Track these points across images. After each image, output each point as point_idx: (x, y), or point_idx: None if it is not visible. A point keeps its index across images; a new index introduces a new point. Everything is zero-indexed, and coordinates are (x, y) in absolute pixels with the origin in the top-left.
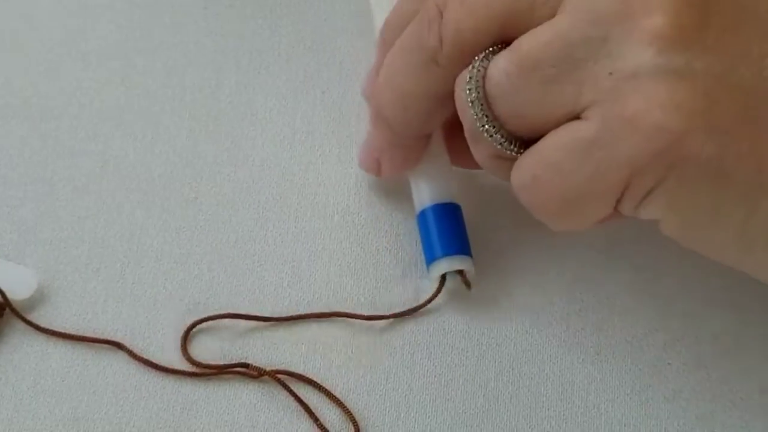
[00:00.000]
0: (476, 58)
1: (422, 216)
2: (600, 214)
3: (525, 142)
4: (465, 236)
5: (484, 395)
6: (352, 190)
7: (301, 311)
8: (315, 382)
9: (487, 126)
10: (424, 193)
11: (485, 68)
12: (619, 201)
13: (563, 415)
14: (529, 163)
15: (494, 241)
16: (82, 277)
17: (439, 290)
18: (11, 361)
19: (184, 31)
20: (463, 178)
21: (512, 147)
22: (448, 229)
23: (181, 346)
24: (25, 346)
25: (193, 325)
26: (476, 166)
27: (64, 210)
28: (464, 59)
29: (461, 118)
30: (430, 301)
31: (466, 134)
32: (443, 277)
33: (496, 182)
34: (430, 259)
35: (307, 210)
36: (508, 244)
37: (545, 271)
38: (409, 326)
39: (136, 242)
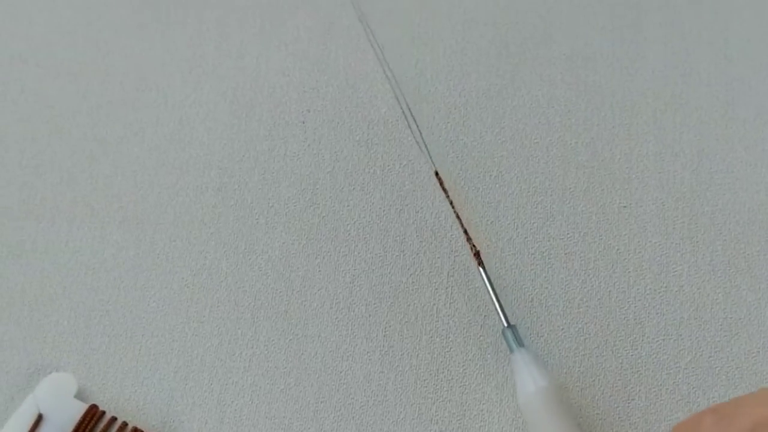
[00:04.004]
0: None
1: None
2: None
3: None
4: None
5: None
6: (441, 319)
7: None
8: None
9: None
10: None
11: None
12: None
13: None
14: None
15: None
16: (169, 385)
17: None
18: None
19: (282, 143)
20: None
21: None
22: None
23: None
24: None
25: None
26: None
27: (154, 319)
28: None
29: None
30: None
31: None
32: None
33: None
34: None
35: (396, 328)
36: None
37: None
38: None
39: (225, 352)
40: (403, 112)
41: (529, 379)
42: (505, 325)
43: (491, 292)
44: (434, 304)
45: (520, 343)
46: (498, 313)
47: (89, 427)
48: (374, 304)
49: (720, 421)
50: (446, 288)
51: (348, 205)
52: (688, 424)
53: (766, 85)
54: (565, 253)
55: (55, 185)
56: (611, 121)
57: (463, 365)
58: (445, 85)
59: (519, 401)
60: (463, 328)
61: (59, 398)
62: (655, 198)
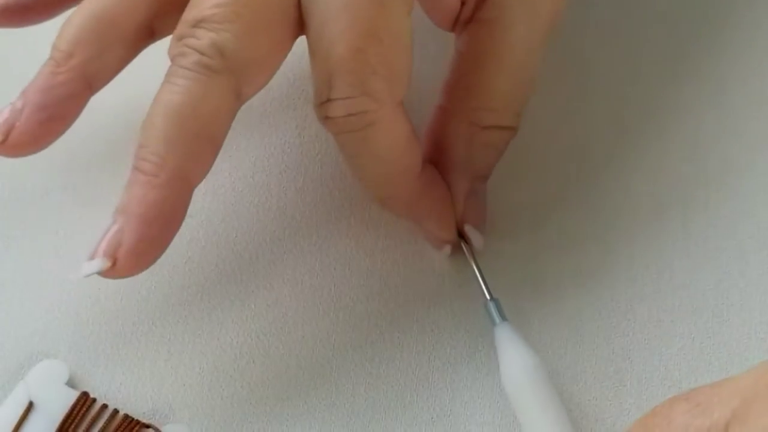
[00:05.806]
0: None
1: None
2: None
3: None
4: None
5: None
6: None
7: None
8: None
9: None
10: None
11: None
12: None
13: None
14: None
15: None
16: (160, 372)
17: None
18: None
19: (273, 131)
20: None
21: None
22: None
23: None
24: None
25: None
26: None
27: (144, 306)
28: None
29: None
30: None
31: None
32: None
33: None
34: None
35: (386, 315)
36: None
37: None
38: None
39: (215, 340)
40: None
41: (515, 355)
42: (488, 298)
43: (473, 264)
44: (425, 291)
45: (503, 317)
46: (481, 286)
47: (80, 414)
48: (365, 291)
49: (693, 409)
50: (438, 273)
51: (340, 193)
52: (659, 411)
53: (760, 75)
54: (558, 241)
55: (45, 171)
56: (607, 108)
57: (454, 350)
58: None
59: (503, 379)
60: (454, 315)
61: (50, 385)
62: (647, 184)
